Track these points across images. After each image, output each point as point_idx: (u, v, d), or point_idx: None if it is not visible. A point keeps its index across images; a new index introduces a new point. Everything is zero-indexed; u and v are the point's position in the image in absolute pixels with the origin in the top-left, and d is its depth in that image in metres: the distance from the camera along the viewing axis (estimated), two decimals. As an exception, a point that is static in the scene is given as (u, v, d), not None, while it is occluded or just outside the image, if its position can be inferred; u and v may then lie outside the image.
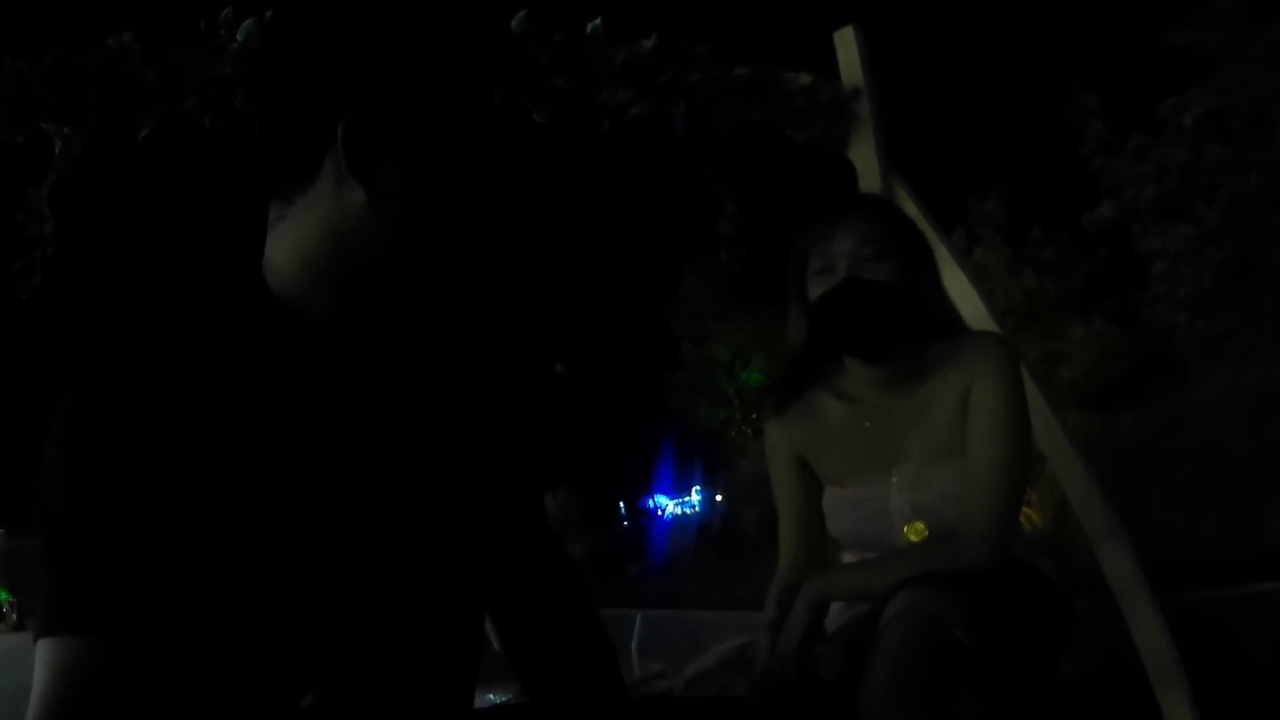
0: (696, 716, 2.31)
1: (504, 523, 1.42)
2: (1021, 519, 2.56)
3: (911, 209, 3.08)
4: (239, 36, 2.78)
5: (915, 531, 2.23)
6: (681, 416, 23.64)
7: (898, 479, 2.27)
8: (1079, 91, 15.35)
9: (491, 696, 2.87)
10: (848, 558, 2.41)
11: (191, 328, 1.18)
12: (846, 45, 3.26)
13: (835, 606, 2.35)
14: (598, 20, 2.92)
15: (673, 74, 2.90)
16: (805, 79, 3.08)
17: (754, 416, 19.03)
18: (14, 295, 2.99)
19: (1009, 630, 2.03)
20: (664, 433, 28.43)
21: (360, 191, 1.20)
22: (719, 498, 23.43)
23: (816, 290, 2.25)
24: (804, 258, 2.29)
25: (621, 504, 30.48)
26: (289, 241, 1.24)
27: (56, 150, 2.85)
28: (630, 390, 26.56)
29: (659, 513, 31.02)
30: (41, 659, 1.05)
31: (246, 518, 1.11)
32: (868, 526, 2.31)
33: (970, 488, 2.17)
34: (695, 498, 30.86)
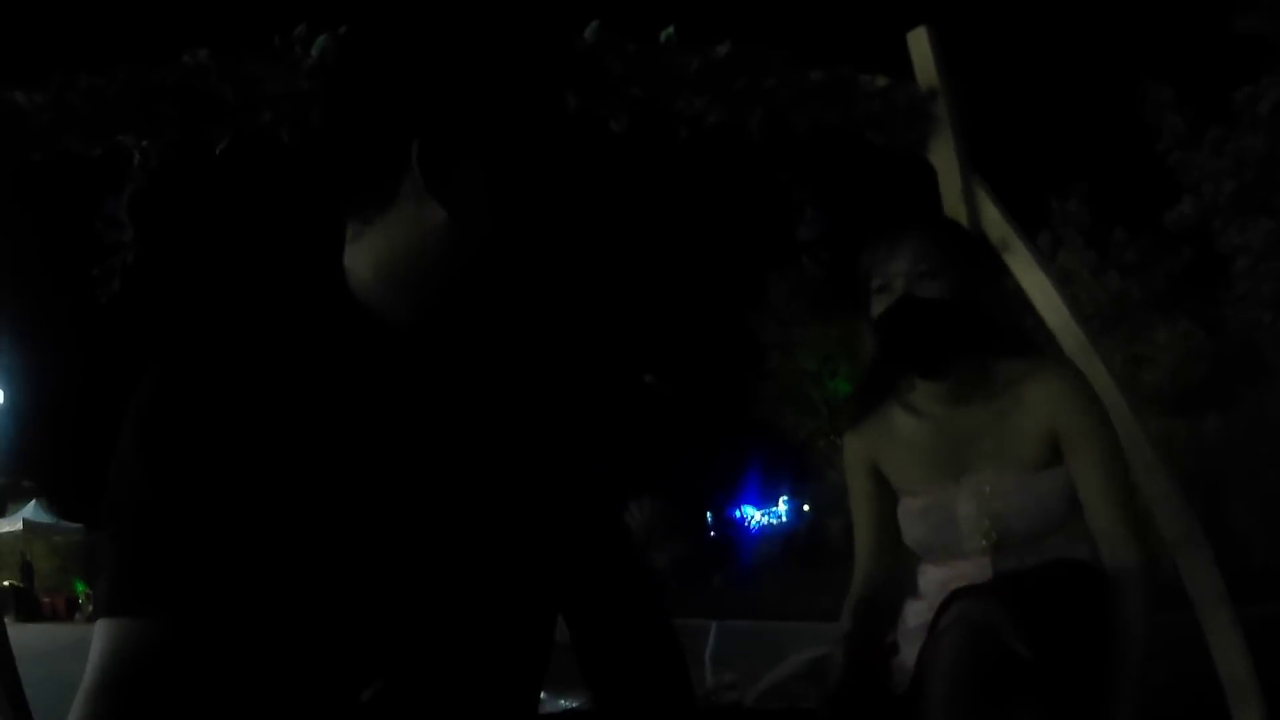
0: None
1: (577, 529, 1.40)
2: None
3: (993, 213, 3.03)
4: (313, 51, 2.82)
5: (985, 538, 2.25)
6: (769, 426, 23.51)
7: (966, 488, 2.30)
8: (1154, 84, 14.95)
9: (562, 701, 2.85)
10: (926, 569, 2.41)
11: (271, 327, 1.20)
12: (920, 46, 3.20)
13: (913, 610, 2.36)
14: (671, 28, 2.91)
15: (748, 80, 2.88)
16: (881, 81, 3.03)
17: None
18: (94, 300, 3.06)
19: (1066, 640, 2.02)
20: (751, 443, 28.31)
21: (440, 210, 1.20)
22: (806, 508, 23.31)
23: (878, 309, 2.28)
24: (866, 277, 2.32)
25: (708, 513, 30.38)
26: (368, 256, 1.25)
27: (135, 162, 2.94)
28: (718, 400, 26.53)
29: (745, 523, 30.90)
30: (98, 638, 1.05)
31: (313, 511, 1.11)
32: (937, 534, 2.33)
33: (1106, 513, 2.22)
34: (782, 508, 30.77)
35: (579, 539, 1.41)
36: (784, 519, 29.76)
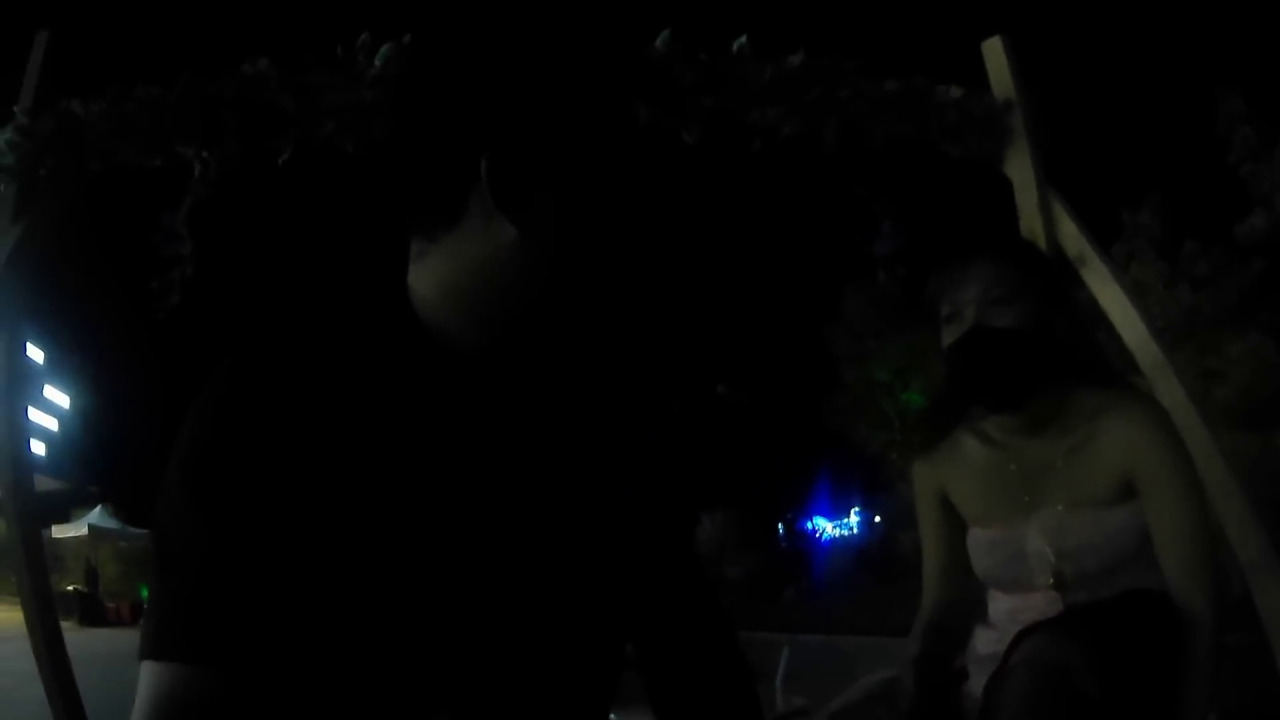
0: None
1: (645, 554, 1.35)
2: None
3: (1070, 227, 2.94)
4: (377, 61, 2.78)
5: (1055, 575, 2.20)
6: (841, 438, 23.36)
7: (1037, 523, 2.23)
8: (1226, 95, 14.64)
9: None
10: (996, 596, 2.35)
11: (330, 351, 1.13)
12: (995, 56, 3.10)
13: (983, 638, 2.31)
14: (744, 38, 2.83)
15: (822, 90, 2.79)
16: (956, 92, 2.93)
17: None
18: (153, 313, 3.05)
19: (1138, 676, 1.96)
20: (824, 454, 28.18)
21: (511, 229, 1.14)
22: (878, 519, 23.15)
23: (948, 338, 2.21)
24: (935, 303, 2.25)
25: (780, 525, 30.25)
26: (435, 276, 1.19)
27: (196, 173, 2.92)
28: (791, 411, 26.43)
29: (817, 535, 30.78)
30: (144, 681, 1.00)
31: (379, 549, 1.06)
32: (1006, 568, 2.28)
33: (1178, 564, 2.13)
34: (853, 520, 30.63)
35: (650, 563, 1.36)
36: (855, 531, 29.65)
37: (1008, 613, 2.27)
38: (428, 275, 1.20)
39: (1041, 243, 2.91)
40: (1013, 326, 2.13)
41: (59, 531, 25.75)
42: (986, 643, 2.26)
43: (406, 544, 1.08)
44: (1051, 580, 2.19)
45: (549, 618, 1.18)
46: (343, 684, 1.07)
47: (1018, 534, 2.25)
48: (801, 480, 30.38)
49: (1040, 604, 2.20)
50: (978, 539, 2.34)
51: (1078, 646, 1.88)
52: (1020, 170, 3.04)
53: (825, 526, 31.71)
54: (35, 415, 28.07)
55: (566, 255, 1.18)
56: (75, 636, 2.74)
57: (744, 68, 2.76)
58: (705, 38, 2.75)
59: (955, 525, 2.43)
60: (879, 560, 14.03)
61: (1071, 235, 2.95)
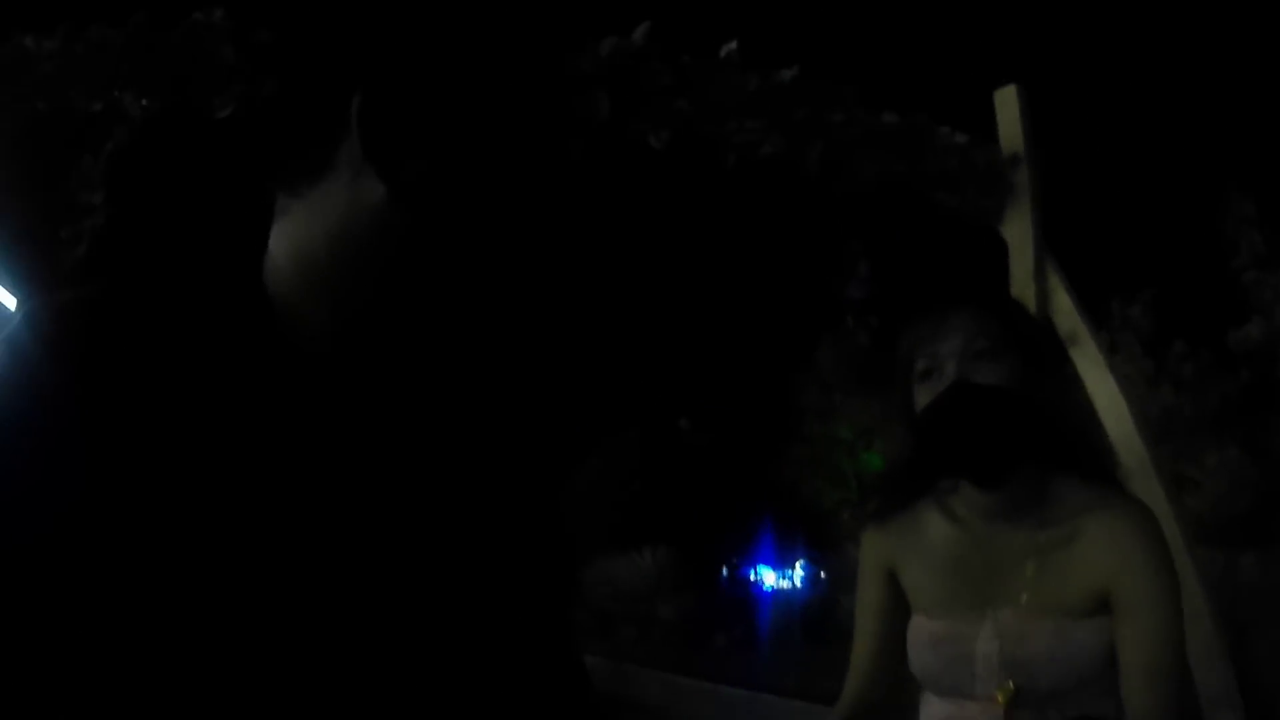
0: None
1: (507, 601, 1.13)
2: None
3: (1065, 301, 2.74)
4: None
5: (1003, 692, 1.91)
6: (795, 489, 23.28)
7: (992, 623, 1.96)
8: (1237, 198, 14.66)
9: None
10: (930, 701, 2.10)
11: (156, 330, 0.95)
12: (1008, 106, 2.88)
13: None
14: (733, 44, 2.61)
15: (811, 111, 2.54)
16: (961, 137, 2.72)
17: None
18: (59, 263, 2.88)
19: None
20: (775, 504, 28.14)
21: (379, 186, 0.97)
22: (822, 575, 23.04)
23: (923, 399, 1.95)
24: (909, 360, 1.99)
25: (725, 570, 30.19)
26: (291, 240, 1.02)
27: (132, 118, 2.77)
28: (748, 457, 26.34)
29: (759, 584, 30.80)
30: None
31: (205, 553, 0.90)
32: (947, 669, 2.01)
33: (1144, 701, 1.83)
34: (798, 573, 30.69)
35: (520, 622, 1.14)
36: (799, 585, 29.68)
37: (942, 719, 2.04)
38: (284, 238, 1.01)
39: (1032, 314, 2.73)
40: (1001, 385, 1.89)
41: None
42: None
43: (229, 553, 0.89)
44: (998, 693, 1.92)
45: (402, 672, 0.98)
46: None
47: (968, 632, 1.99)
48: (751, 527, 30.33)
49: (977, 718, 1.96)
50: (921, 630, 2.08)
51: None
52: (1018, 232, 2.81)
53: (769, 576, 31.77)
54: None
55: (441, 233, 0.99)
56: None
57: (728, 75, 2.52)
58: (692, 40, 2.56)
59: (898, 609, 2.17)
60: (817, 620, 13.89)
61: (1066, 310, 2.74)
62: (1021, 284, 2.79)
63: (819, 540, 24.36)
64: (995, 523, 2.01)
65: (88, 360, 0.90)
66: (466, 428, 1.12)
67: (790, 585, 30.57)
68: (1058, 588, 1.93)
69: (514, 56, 1.04)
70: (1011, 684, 1.91)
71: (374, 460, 1.01)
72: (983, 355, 1.90)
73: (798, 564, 30.88)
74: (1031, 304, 2.74)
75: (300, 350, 1.00)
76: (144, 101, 2.75)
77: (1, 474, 0.85)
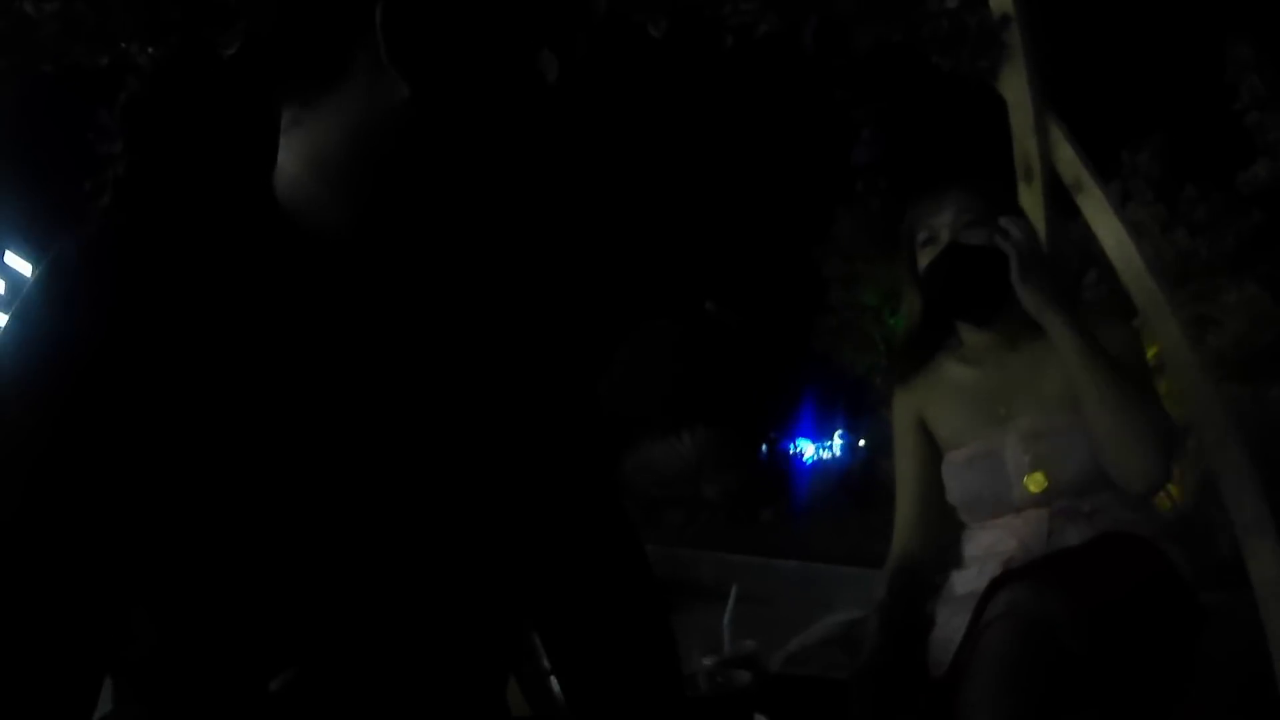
0: (792, 697, 2.22)
1: (555, 508, 1.18)
2: (1160, 494, 2.35)
3: (1067, 151, 2.80)
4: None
5: (1035, 482, 2.18)
6: (827, 360, 23.27)
7: (1014, 434, 2.24)
8: (1236, 41, 14.41)
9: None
10: (974, 534, 2.30)
11: (166, 254, 0.96)
12: (996, -33, 2.89)
13: (960, 578, 2.26)
14: (720, -76, 2.63)
15: (805, -15, 2.60)
16: (952, 1, 2.76)
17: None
18: (86, 214, 2.92)
19: (1126, 632, 1.86)
20: (809, 375, 28.15)
21: (403, 85, 0.98)
22: (861, 443, 23.12)
23: (924, 261, 2.29)
24: (912, 233, 2.33)
25: (764, 445, 30.28)
26: (306, 147, 1.03)
27: (141, 68, 2.79)
28: (778, 331, 26.31)
29: (800, 457, 30.86)
30: None
31: (223, 471, 0.93)
32: (986, 484, 2.25)
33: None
34: (837, 443, 30.76)
35: (556, 519, 1.19)
36: (838, 454, 29.74)
37: (985, 548, 2.22)
38: (298, 147, 1.03)
39: (1036, 166, 2.81)
40: (986, 244, 2.19)
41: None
42: (964, 581, 2.22)
43: (249, 471, 0.92)
44: (1028, 482, 2.16)
45: (418, 569, 1.02)
46: (181, 623, 0.95)
47: (995, 447, 2.25)
48: (786, 401, 30.40)
49: (1021, 530, 2.15)
50: (955, 460, 2.33)
51: (1061, 599, 1.79)
52: (1016, 90, 2.87)
53: (808, 448, 31.85)
54: None
55: (461, 130, 1.01)
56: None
57: (718, -43, 2.57)
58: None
59: (932, 457, 2.41)
60: (860, 485, 13.97)
61: (1069, 160, 2.81)
62: (1023, 139, 2.83)
63: (855, 408, 24.48)
64: (998, 353, 2.32)
65: (113, 286, 0.92)
66: (494, 319, 1.16)
67: (830, 455, 30.63)
68: (1060, 389, 2.18)
69: None
70: (1040, 474, 2.17)
71: (402, 353, 1.04)
72: (971, 224, 2.23)
73: (836, 433, 30.94)
74: (1035, 156, 2.79)
75: (322, 250, 1.02)
76: (150, 50, 2.76)
77: (48, 398, 0.89)
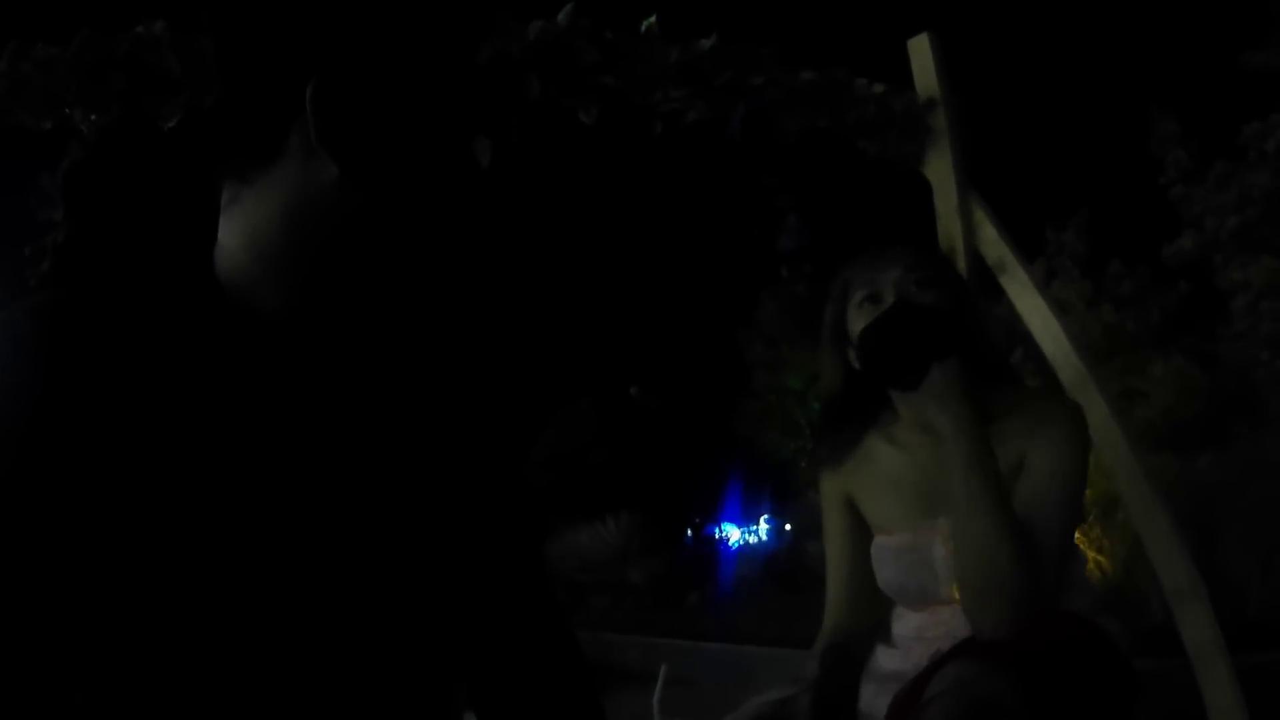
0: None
1: (483, 576, 1.21)
2: (1091, 566, 2.37)
3: (990, 232, 2.89)
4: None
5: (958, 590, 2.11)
6: (751, 444, 23.32)
7: (942, 528, 2.16)
8: (1160, 117, 14.88)
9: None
10: (903, 614, 2.28)
11: (103, 328, 0.99)
12: (921, 54, 3.04)
13: (885, 655, 2.26)
14: (652, 18, 2.73)
15: (733, 75, 2.68)
16: (878, 87, 2.87)
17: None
18: (24, 281, 2.92)
19: (1067, 707, 1.88)
20: (734, 460, 28.14)
21: (332, 166, 1.02)
22: (788, 527, 23.14)
23: (861, 322, 2.16)
24: (846, 290, 2.23)
25: (689, 530, 30.14)
26: (242, 225, 1.06)
27: (84, 133, 2.81)
28: (702, 416, 26.33)
29: (725, 541, 30.75)
30: None
31: (146, 540, 0.94)
32: (911, 576, 2.21)
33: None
34: (763, 527, 30.69)
35: (484, 588, 1.22)
36: (764, 539, 29.67)
37: (914, 630, 2.21)
38: (236, 225, 1.06)
39: (960, 248, 2.86)
40: (936, 307, 2.10)
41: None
42: (889, 659, 2.21)
43: (191, 551, 0.95)
44: (954, 590, 2.10)
45: (370, 642, 1.05)
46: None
47: (924, 540, 2.18)
48: (711, 485, 30.33)
49: (948, 620, 2.13)
50: (883, 547, 2.27)
51: (1008, 680, 1.79)
52: (940, 172, 2.98)
53: (733, 533, 31.73)
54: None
55: (395, 213, 1.05)
56: None
57: (649, 48, 2.65)
58: (613, 17, 2.66)
59: (862, 535, 2.36)
60: (786, 569, 13.98)
61: (992, 240, 2.90)
62: (947, 220, 2.93)
63: (780, 492, 24.47)
64: (934, 437, 2.16)
65: (58, 357, 0.94)
66: (422, 402, 1.19)
67: (756, 539, 30.56)
68: (996, 484, 2.06)
69: (454, 43, 1.10)
70: None
71: (334, 435, 1.07)
72: (921, 283, 2.14)
73: (761, 518, 30.87)
74: (958, 237, 2.87)
75: (257, 330, 1.05)
76: (93, 117, 2.75)
77: None
